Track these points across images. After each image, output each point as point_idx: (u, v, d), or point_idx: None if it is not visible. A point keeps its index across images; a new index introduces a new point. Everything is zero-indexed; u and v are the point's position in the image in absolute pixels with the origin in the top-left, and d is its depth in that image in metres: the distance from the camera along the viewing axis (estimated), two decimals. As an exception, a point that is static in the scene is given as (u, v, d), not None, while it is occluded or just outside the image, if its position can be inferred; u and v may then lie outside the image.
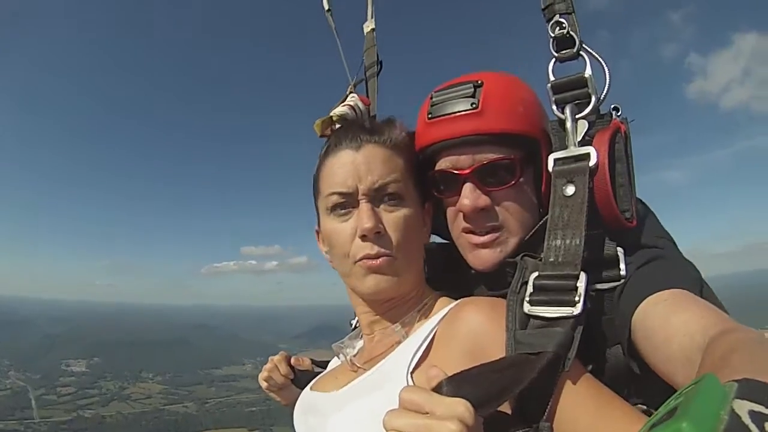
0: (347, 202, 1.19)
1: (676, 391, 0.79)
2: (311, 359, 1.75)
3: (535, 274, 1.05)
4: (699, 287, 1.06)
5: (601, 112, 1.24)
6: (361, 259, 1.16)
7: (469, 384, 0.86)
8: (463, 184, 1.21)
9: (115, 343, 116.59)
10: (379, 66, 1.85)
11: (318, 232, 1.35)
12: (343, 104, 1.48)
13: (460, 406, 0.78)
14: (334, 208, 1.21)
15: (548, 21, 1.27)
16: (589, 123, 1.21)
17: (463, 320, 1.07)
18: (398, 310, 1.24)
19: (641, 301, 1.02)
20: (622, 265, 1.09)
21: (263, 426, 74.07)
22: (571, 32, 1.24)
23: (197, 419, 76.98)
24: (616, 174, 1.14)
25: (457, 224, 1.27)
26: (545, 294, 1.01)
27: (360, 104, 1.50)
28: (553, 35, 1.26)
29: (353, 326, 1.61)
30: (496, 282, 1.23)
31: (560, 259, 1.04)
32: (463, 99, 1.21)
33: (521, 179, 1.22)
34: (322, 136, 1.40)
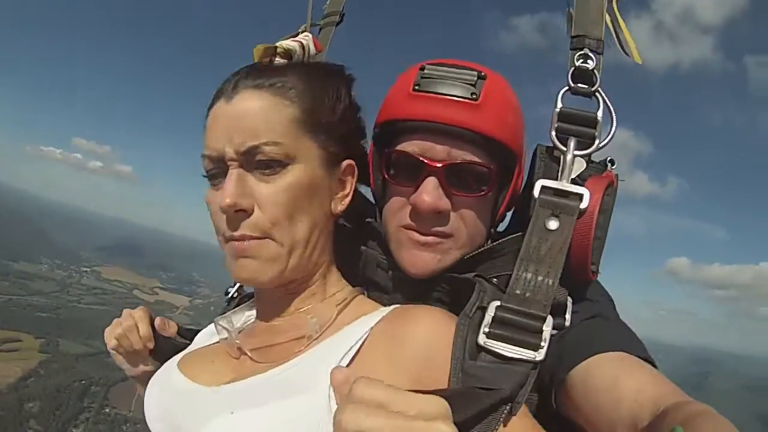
0: (218, 168, 0.97)
1: None
2: (178, 326, 1.39)
3: (497, 303, 0.93)
4: (645, 351, 1.00)
5: (592, 160, 1.16)
6: (227, 241, 0.97)
7: None
8: (427, 178, 1.07)
9: None
10: (340, 18, 1.71)
11: None
12: (294, 39, 1.31)
13: (443, 405, 0.61)
14: (207, 175, 1.01)
15: (574, 50, 1.19)
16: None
17: (418, 330, 0.88)
18: (302, 298, 1.05)
19: (585, 358, 0.96)
20: (568, 315, 1.01)
21: (50, 336, 77.55)
22: (595, 70, 1.17)
23: (-14, 315, 77.68)
24: (597, 225, 1.05)
25: (399, 217, 1.12)
26: (506, 329, 0.89)
27: (312, 46, 1.31)
28: (576, 65, 1.17)
29: (229, 296, 1.46)
30: (418, 292, 1.13)
31: (528, 295, 0.94)
32: (463, 84, 1.07)
33: (489, 193, 1.12)
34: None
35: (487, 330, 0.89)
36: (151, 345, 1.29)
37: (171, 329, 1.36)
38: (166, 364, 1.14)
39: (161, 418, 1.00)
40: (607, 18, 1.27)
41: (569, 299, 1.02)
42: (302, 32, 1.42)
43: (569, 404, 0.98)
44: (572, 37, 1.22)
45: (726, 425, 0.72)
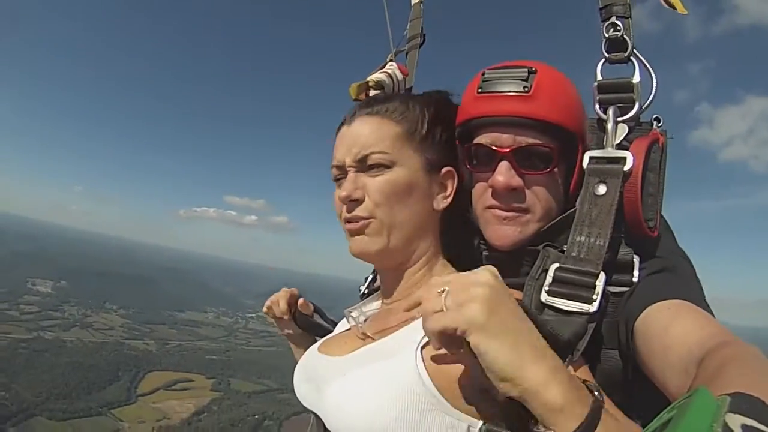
0: (341, 174, 1.26)
1: (665, 399, 0.85)
2: (315, 306, 1.74)
3: (556, 265, 1.07)
4: (703, 300, 1.05)
5: (642, 121, 1.26)
6: (345, 222, 1.25)
7: None
8: (500, 162, 1.20)
9: (84, 270, 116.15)
10: (422, 39, 1.88)
11: None
12: (381, 71, 1.49)
13: (487, 271, 0.85)
14: (335, 179, 1.29)
15: (603, 21, 1.28)
16: (628, 128, 1.23)
17: None
18: (410, 280, 1.29)
19: (646, 308, 1.02)
20: (636, 272, 1.10)
21: (221, 376, 75.78)
22: (625, 36, 1.24)
23: (157, 358, 78.24)
24: (647, 183, 1.15)
25: (483, 199, 1.26)
26: (564, 287, 1.03)
27: (398, 73, 1.49)
28: (606, 36, 1.26)
29: (361, 292, 1.71)
30: (510, 269, 1.22)
31: (582, 256, 1.06)
32: (516, 81, 1.20)
33: (555, 169, 1.22)
34: (355, 99, 1.43)
35: (547, 288, 1.05)
36: (287, 316, 1.70)
37: (309, 309, 1.71)
38: (310, 348, 1.44)
39: (304, 380, 1.32)
40: None
41: (635, 257, 1.13)
42: (389, 62, 1.65)
43: (633, 354, 1.04)
44: (600, 9, 1.31)
45: (755, 370, 0.72)
